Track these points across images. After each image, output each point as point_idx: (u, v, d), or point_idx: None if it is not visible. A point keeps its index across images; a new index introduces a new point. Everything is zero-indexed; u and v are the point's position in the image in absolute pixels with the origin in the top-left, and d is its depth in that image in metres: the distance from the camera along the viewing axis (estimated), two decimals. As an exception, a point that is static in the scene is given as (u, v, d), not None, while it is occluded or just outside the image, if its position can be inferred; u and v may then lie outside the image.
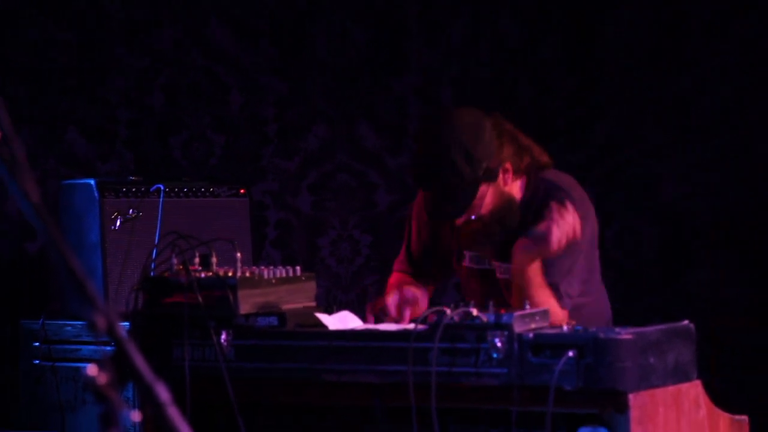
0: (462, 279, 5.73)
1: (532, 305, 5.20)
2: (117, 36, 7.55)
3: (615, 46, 8.23)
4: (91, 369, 2.83)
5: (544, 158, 5.69)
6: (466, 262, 5.66)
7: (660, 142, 8.10)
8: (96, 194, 6.20)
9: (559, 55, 8.24)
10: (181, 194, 6.40)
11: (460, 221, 5.52)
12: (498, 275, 5.59)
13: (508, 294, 5.52)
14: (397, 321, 5.44)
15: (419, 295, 5.61)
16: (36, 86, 7.35)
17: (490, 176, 5.44)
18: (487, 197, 5.46)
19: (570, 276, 5.53)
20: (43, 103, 7.36)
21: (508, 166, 5.51)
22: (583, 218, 5.42)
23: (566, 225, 5.17)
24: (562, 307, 5.46)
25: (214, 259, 5.32)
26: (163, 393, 2.84)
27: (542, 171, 5.66)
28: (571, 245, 5.30)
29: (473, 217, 5.48)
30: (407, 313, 5.45)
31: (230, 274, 5.25)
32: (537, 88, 8.15)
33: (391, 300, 5.51)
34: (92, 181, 6.23)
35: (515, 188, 5.59)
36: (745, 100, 7.92)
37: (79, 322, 6.08)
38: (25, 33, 7.35)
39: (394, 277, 5.82)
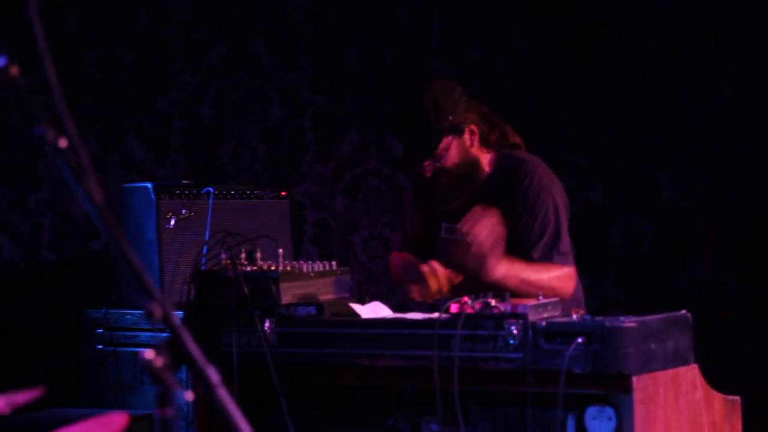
0: (440, 252, 5.68)
1: (552, 287, 5.31)
2: (172, 54, 7.55)
3: (615, 60, 8.21)
4: (149, 353, 2.82)
5: (516, 139, 5.72)
6: (441, 233, 5.63)
7: (659, 147, 8.07)
8: (153, 196, 6.19)
9: (565, 69, 8.21)
10: (229, 196, 6.39)
11: (428, 171, 5.48)
12: (443, 235, 5.57)
13: (461, 254, 5.47)
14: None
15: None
16: (100, 99, 7.35)
17: (455, 129, 5.47)
18: (451, 149, 5.47)
19: (564, 238, 5.53)
20: (106, 114, 7.35)
21: (474, 128, 5.52)
22: (553, 183, 5.56)
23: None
24: (564, 265, 5.50)
25: (258, 255, 5.31)
26: (213, 375, 2.82)
27: (512, 150, 5.66)
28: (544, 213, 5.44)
29: (438, 164, 5.46)
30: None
31: (273, 268, 5.24)
32: (545, 98, 8.13)
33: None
34: (149, 185, 6.23)
35: (484, 158, 5.60)
36: (741, 107, 7.88)
37: (138, 311, 6.07)
38: (92, 51, 7.35)
39: (395, 255, 5.81)
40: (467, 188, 5.53)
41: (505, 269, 5.27)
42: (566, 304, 5.28)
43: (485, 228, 5.26)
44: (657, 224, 8.03)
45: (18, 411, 3.18)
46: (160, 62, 7.51)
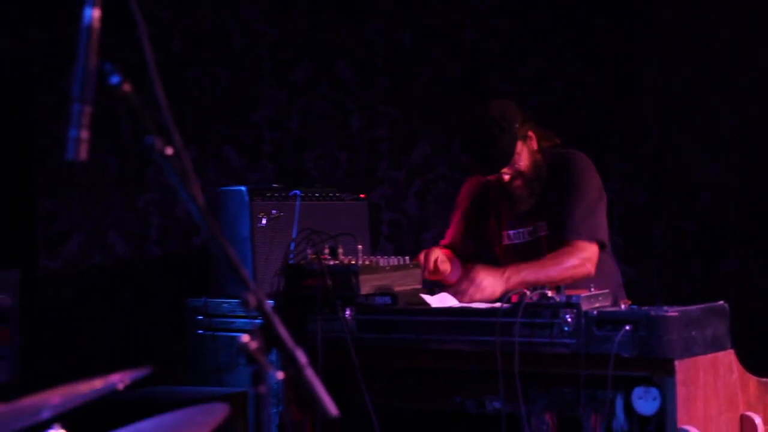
0: (501, 258, 5.68)
1: (571, 272, 5.40)
2: (263, 72, 7.58)
3: (656, 76, 8.14)
4: (245, 337, 2.83)
5: (557, 139, 5.73)
6: (505, 241, 5.63)
7: (697, 154, 8.00)
8: (246, 198, 6.21)
9: (612, 85, 8.16)
10: (313, 199, 6.40)
11: (508, 177, 5.49)
12: (528, 237, 5.64)
13: (543, 249, 5.54)
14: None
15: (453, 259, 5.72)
16: (200, 113, 7.39)
17: (522, 135, 5.49)
18: (523, 154, 5.49)
19: (601, 222, 5.55)
20: (205, 127, 7.39)
21: (531, 134, 5.55)
22: (591, 169, 5.58)
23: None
24: (597, 249, 5.50)
25: (340, 251, 5.32)
26: (301, 357, 2.83)
27: (555, 147, 5.69)
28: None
29: (516, 168, 5.47)
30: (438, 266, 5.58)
31: (353, 262, 5.25)
32: (596, 111, 8.09)
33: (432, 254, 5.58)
34: (243, 188, 6.25)
35: (538, 155, 5.61)
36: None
37: (234, 300, 6.09)
38: (192, 70, 7.39)
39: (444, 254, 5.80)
40: (539, 186, 5.53)
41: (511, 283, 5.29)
42: (602, 284, 5.24)
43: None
44: (696, 223, 7.98)
45: (130, 387, 3.20)
46: (252, 79, 7.54)
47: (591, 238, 5.50)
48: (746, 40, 7.86)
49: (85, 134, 2.86)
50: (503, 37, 8.00)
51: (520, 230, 5.61)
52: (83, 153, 2.87)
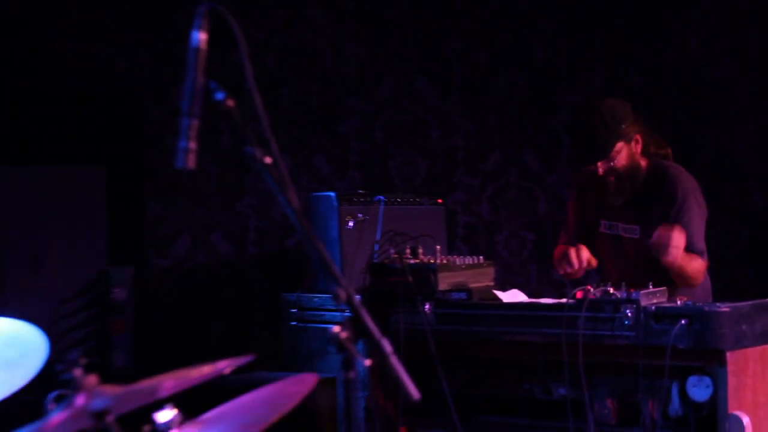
0: (597, 245, 5.64)
1: (692, 276, 5.31)
2: (350, 87, 7.61)
3: (713, 92, 8.08)
4: (335, 328, 2.86)
5: (666, 150, 5.67)
6: (601, 229, 5.60)
7: (751, 164, 7.94)
8: (335, 203, 6.25)
9: (672, 98, 8.11)
10: (395, 203, 6.42)
11: (601, 170, 5.39)
12: (623, 234, 5.55)
13: (630, 251, 5.50)
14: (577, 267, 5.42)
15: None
16: (293, 125, 7.43)
17: (626, 136, 5.40)
18: (622, 153, 5.39)
19: (700, 236, 5.47)
20: (298, 138, 7.44)
21: (639, 138, 5.46)
22: (696, 191, 5.52)
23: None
24: (705, 261, 5.43)
25: (420, 251, 5.34)
26: (386, 346, 2.86)
27: (660, 159, 5.61)
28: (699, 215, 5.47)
29: (612, 164, 5.39)
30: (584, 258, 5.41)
31: (431, 261, 5.27)
32: (655, 121, 8.04)
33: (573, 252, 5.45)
34: (333, 194, 6.29)
35: (643, 163, 5.52)
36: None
37: (324, 295, 6.13)
38: (286, 86, 7.44)
39: (558, 248, 5.74)
40: (630, 187, 5.49)
41: (679, 258, 5.20)
42: (696, 291, 5.37)
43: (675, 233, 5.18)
44: (749, 227, 7.92)
45: (234, 372, 3.24)
46: (340, 95, 7.58)
47: (704, 252, 5.48)
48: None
49: (193, 145, 2.91)
50: (569, 54, 7.98)
51: (610, 222, 5.57)
52: (191, 162, 2.92)
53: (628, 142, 5.42)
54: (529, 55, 7.90)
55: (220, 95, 2.92)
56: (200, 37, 2.91)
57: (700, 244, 5.45)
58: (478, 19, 7.80)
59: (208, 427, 3.19)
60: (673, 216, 5.38)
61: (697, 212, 5.49)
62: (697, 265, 5.36)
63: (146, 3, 7.31)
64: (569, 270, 5.39)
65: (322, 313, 6.19)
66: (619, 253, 5.53)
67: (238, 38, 2.92)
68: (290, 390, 3.29)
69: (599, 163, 5.39)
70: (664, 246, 5.03)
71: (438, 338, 5.06)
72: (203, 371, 3.16)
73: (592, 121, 5.39)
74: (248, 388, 3.24)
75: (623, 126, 5.39)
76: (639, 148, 5.47)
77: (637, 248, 5.47)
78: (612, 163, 5.40)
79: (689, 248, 5.33)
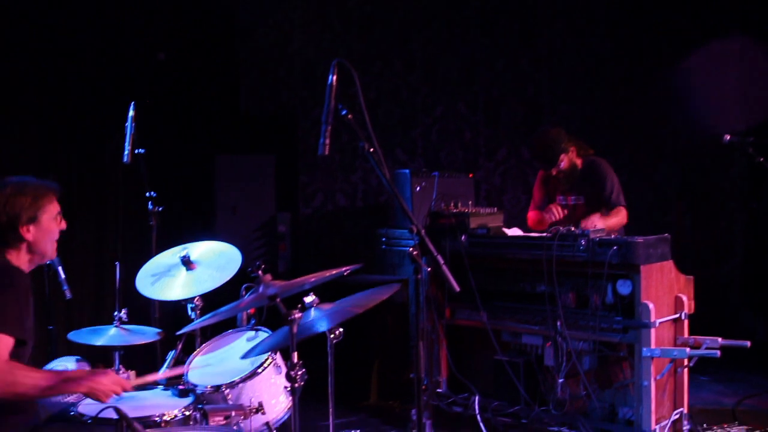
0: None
1: (615, 227, 5.19)
2: (417, 109, 7.57)
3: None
4: (411, 249, 2.88)
5: (590, 150, 5.54)
6: (558, 201, 5.57)
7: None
8: (408, 176, 6.23)
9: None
10: (444, 177, 6.32)
11: (554, 172, 5.38)
12: (572, 202, 5.46)
13: (578, 211, 5.39)
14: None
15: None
16: (384, 130, 7.40)
17: (564, 150, 5.33)
18: (564, 160, 5.34)
19: (621, 194, 5.38)
20: (387, 138, 7.37)
21: (573, 148, 5.39)
22: (610, 168, 5.40)
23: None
24: (620, 206, 5.33)
25: (459, 204, 5.34)
26: (440, 259, 2.88)
27: (589, 155, 5.50)
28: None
29: (561, 166, 5.35)
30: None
31: (465, 210, 5.28)
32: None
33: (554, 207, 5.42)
34: (407, 171, 6.27)
35: (578, 161, 5.43)
36: None
37: (402, 230, 6.14)
38: (382, 108, 7.41)
39: (530, 213, 5.71)
40: (572, 177, 5.44)
41: (600, 225, 5.18)
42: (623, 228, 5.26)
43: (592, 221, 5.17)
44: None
45: (350, 274, 3.26)
46: (411, 113, 7.51)
47: (624, 204, 5.41)
48: None
49: (328, 141, 2.94)
50: (553, 90, 7.86)
51: (564, 197, 5.54)
52: (327, 151, 2.96)
53: (566, 153, 5.38)
54: (523, 91, 7.79)
55: (344, 111, 2.96)
56: (333, 78, 2.95)
57: (620, 199, 5.37)
58: (496, 66, 7.72)
59: (333, 306, 3.23)
60: (608, 189, 5.32)
61: (615, 182, 5.40)
62: (618, 219, 5.28)
63: (297, 55, 7.31)
64: (554, 218, 5.37)
65: (399, 240, 6.20)
66: (570, 214, 5.46)
67: (355, 79, 2.94)
68: (382, 293, 3.29)
69: (552, 169, 5.39)
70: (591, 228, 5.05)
71: (469, 256, 5.07)
72: (332, 272, 3.20)
73: (543, 145, 5.38)
74: (358, 284, 3.28)
75: (561, 145, 5.34)
76: (573, 154, 5.42)
77: (582, 210, 5.42)
78: (559, 167, 5.38)
79: (615, 204, 5.30)
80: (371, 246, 6.50)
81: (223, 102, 7.07)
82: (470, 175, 6.68)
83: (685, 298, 4.74)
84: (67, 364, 3.88)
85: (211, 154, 6.97)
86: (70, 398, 3.75)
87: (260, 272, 3.06)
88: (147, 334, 3.81)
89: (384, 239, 6.33)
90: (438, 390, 5.28)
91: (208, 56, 6.87)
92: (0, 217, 3.02)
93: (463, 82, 7.63)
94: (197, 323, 3.29)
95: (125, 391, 2.96)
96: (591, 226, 4.97)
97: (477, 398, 5.04)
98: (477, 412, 4.99)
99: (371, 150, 2.93)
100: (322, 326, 3.28)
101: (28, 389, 2.82)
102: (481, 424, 4.94)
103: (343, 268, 3.15)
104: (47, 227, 3.10)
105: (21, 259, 3.07)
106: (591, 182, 5.41)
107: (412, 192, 6.21)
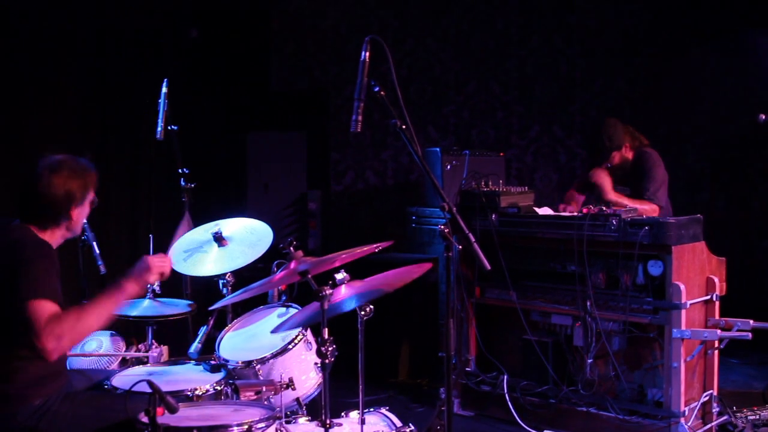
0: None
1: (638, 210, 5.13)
2: (449, 87, 7.54)
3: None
4: (441, 227, 2.87)
5: (645, 140, 5.48)
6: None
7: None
8: (439, 154, 6.22)
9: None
10: (475, 155, 6.35)
11: (605, 165, 5.36)
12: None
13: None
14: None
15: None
16: (416, 107, 7.37)
17: (619, 147, 5.32)
18: (616, 156, 5.34)
19: (659, 191, 5.32)
20: (419, 115, 7.37)
21: (627, 145, 5.36)
22: (658, 161, 5.35)
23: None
24: (651, 202, 5.25)
25: (490, 182, 5.31)
26: (471, 237, 2.87)
27: (642, 146, 5.45)
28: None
29: (612, 164, 5.35)
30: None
31: (496, 189, 5.24)
32: None
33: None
34: (438, 149, 6.26)
35: (629, 154, 5.40)
36: None
37: (432, 208, 6.13)
38: (414, 86, 7.37)
39: (571, 191, 5.69)
40: (621, 171, 5.38)
41: (613, 197, 5.16)
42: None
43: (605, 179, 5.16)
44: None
45: (378, 253, 3.26)
46: (443, 91, 7.49)
47: (656, 201, 5.33)
48: None
49: (360, 118, 2.94)
50: (587, 69, 7.79)
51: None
52: (359, 128, 2.95)
53: (619, 150, 5.35)
54: (553, 67, 7.72)
55: (376, 88, 2.95)
56: (366, 55, 2.94)
57: (655, 196, 5.28)
58: (532, 46, 7.65)
59: (364, 284, 3.23)
60: (645, 184, 5.28)
61: (657, 177, 5.32)
62: (646, 209, 5.17)
63: (330, 32, 7.29)
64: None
65: (430, 219, 6.20)
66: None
67: (388, 56, 2.93)
68: (414, 271, 3.29)
69: (605, 163, 5.36)
70: (598, 189, 5.01)
71: (499, 235, 5.05)
72: (363, 249, 3.20)
73: (599, 135, 5.36)
74: (389, 261, 3.28)
75: (616, 142, 5.32)
76: (628, 151, 5.39)
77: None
78: (612, 163, 5.36)
79: (649, 199, 5.25)
80: (401, 224, 6.51)
81: (255, 79, 7.09)
82: (501, 154, 6.64)
83: (716, 280, 4.69)
84: (101, 338, 3.94)
85: (243, 131, 7.00)
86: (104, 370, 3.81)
87: (292, 249, 3.07)
88: (179, 306, 3.88)
89: (414, 217, 6.32)
90: (467, 369, 5.29)
91: (241, 33, 6.88)
92: (56, 197, 3.05)
93: (496, 59, 7.58)
94: (229, 299, 3.32)
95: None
96: (616, 199, 5.01)
97: (505, 377, 5.04)
98: (505, 391, 4.99)
99: (403, 127, 2.92)
100: (352, 305, 3.28)
101: (89, 328, 2.92)
102: (509, 404, 4.94)
103: (375, 245, 3.14)
104: (86, 209, 3.18)
105: (55, 236, 3.11)
106: (636, 175, 5.38)
107: (443, 170, 6.19)
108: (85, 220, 3.87)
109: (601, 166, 5.39)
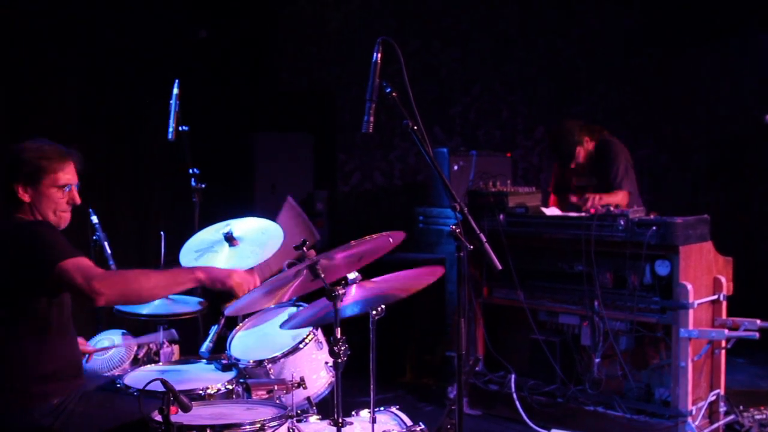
0: (569, 191, 5.62)
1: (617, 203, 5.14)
2: (455, 87, 7.52)
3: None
4: (453, 227, 2.87)
5: (603, 130, 5.51)
6: (574, 183, 5.54)
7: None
8: (446, 155, 6.22)
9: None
10: (482, 156, 6.34)
11: (573, 165, 5.41)
12: (586, 184, 5.49)
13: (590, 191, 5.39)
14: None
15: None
16: (424, 109, 7.35)
17: (580, 142, 5.34)
18: (581, 152, 5.37)
19: (625, 178, 5.35)
20: (426, 116, 7.32)
21: (587, 138, 5.38)
22: (619, 148, 5.38)
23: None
24: (626, 192, 5.31)
25: (498, 183, 5.31)
26: (482, 236, 2.86)
27: (601, 135, 5.47)
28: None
29: (579, 161, 5.38)
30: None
31: (504, 189, 5.25)
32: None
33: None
34: (445, 150, 6.26)
35: (590, 146, 5.41)
36: None
37: (440, 208, 6.12)
38: (418, 87, 7.38)
39: (552, 197, 5.71)
40: (587, 165, 5.41)
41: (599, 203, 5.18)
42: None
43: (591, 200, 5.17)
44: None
45: (387, 253, 3.22)
46: (449, 92, 7.47)
47: (624, 188, 5.35)
48: None
49: (372, 119, 2.93)
50: (588, 71, 7.78)
51: (578, 178, 5.51)
52: (371, 128, 2.95)
53: (581, 145, 5.37)
54: (557, 68, 7.71)
55: (388, 89, 2.94)
56: (378, 56, 2.94)
57: (622, 183, 5.32)
58: (535, 47, 7.65)
59: (376, 285, 3.21)
60: (612, 173, 5.32)
61: (621, 164, 5.35)
62: (616, 199, 5.23)
63: (335, 34, 7.29)
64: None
65: (437, 219, 6.20)
66: (583, 192, 5.45)
67: (399, 57, 2.93)
68: (427, 274, 3.26)
69: (570, 162, 5.41)
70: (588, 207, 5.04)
71: (507, 235, 5.05)
72: (374, 237, 3.12)
73: (557, 139, 5.41)
74: (397, 265, 3.24)
75: (576, 138, 5.34)
76: (589, 144, 5.41)
77: (594, 189, 5.38)
78: (577, 161, 5.39)
79: (617, 188, 5.28)
80: (408, 224, 6.50)
81: (262, 80, 7.08)
82: (508, 155, 6.64)
83: (723, 280, 4.69)
84: (112, 337, 3.94)
85: (249, 131, 6.99)
86: (116, 371, 3.81)
87: (304, 248, 3.06)
88: (190, 304, 3.88)
89: (422, 218, 6.32)
90: (475, 368, 5.28)
91: (248, 34, 6.88)
92: (5, 170, 2.99)
93: (501, 60, 7.57)
94: (244, 300, 3.31)
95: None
96: (591, 203, 5.04)
97: (513, 377, 5.04)
98: (513, 390, 4.99)
99: (415, 128, 2.91)
100: (363, 309, 3.27)
101: (144, 290, 2.92)
102: (517, 403, 4.94)
103: (386, 234, 3.08)
104: (47, 194, 3.01)
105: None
106: (601, 164, 5.40)
107: (450, 171, 6.19)
108: (95, 220, 3.89)
109: (567, 167, 5.44)
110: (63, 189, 3.05)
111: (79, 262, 2.84)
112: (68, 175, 3.06)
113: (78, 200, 3.10)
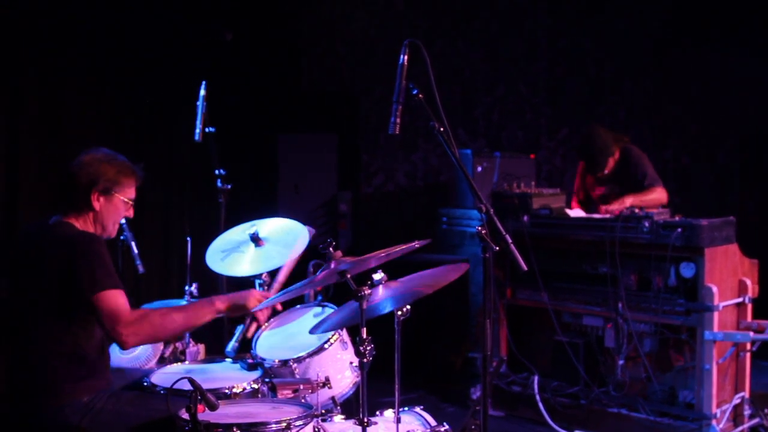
0: (594, 197, 5.63)
1: (653, 204, 5.13)
2: (479, 90, 7.51)
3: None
4: (479, 228, 2.86)
5: (627, 138, 5.52)
6: (596, 191, 5.54)
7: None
8: (470, 156, 6.19)
9: None
10: (505, 157, 6.31)
11: (601, 174, 5.40)
12: (609, 191, 5.47)
13: (612, 198, 5.37)
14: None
15: None
16: (446, 112, 7.36)
17: (612, 154, 5.33)
18: (610, 163, 5.35)
19: (657, 177, 5.36)
20: (451, 119, 7.34)
21: (617, 149, 5.38)
22: (643, 154, 5.42)
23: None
24: (657, 187, 5.31)
25: (522, 184, 5.30)
26: (508, 238, 2.85)
27: (625, 143, 5.47)
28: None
29: (608, 170, 5.37)
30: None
31: (528, 191, 5.24)
32: None
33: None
34: (469, 151, 6.23)
35: (617, 154, 5.40)
36: None
37: (463, 210, 6.10)
38: (443, 91, 7.37)
39: (574, 202, 5.69)
40: (614, 173, 5.40)
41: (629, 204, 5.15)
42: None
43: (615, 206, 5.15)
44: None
45: (409, 255, 3.22)
46: (472, 96, 7.45)
47: (656, 184, 5.34)
48: None
49: (399, 120, 2.94)
50: (615, 73, 7.74)
51: (601, 190, 5.49)
52: (397, 130, 2.95)
53: (613, 156, 5.36)
54: (585, 70, 7.68)
55: (414, 91, 2.95)
56: (405, 59, 2.94)
57: (652, 180, 5.33)
58: (559, 48, 7.62)
59: (401, 284, 3.21)
60: (640, 177, 5.32)
61: (645, 165, 5.37)
62: (653, 195, 5.25)
63: (360, 34, 7.29)
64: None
65: (461, 220, 6.18)
66: (609, 200, 5.42)
67: (426, 59, 2.93)
68: (452, 270, 3.26)
69: (599, 170, 5.40)
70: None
71: (531, 236, 5.04)
72: (400, 248, 3.15)
73: (591, 148, 5.36)
74: (421, 266, 3.23)
75: (611, 150, 5.33)
76: (617, 154, 5.41)
77: (616, 196, 5.36)
78: (605, 171, 5.39)
79: (648, 186, 5.25)
80: (431, 225, 6.50)
81: (286, 81, 7.10)
82: (532, 156, 6.62)
83: (749, 282, 4.65)
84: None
85: (274, 132, 7.01)
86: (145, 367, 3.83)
87: (331, 249, 3.07)
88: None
89: (445, 219, 6.31)
90: (499, 369, 5.27)
91: (272, 36, 6.90)
92: (81, 177, 3.06)
93: (525, 61, 7.55)
94: (271, 300, 3.32)
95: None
96: (621, 205, 5.02)
97: (536, 378, 5.02)
98: (536, 391, 4.97)
99: (441, 129, 2.91)
100: (388, 307, 3.27)
101: (169, 331, 3.04)
102: (540, 404, 4.92)
103: (413, 242, 3.11)
104: (116, 205, 3.13)
105: (86, 228, 3.10)
106: (625, 170, 5.39)
107: (474, 172, 6.18)
108: (123, 221, 3.92)
109: (597, 174, 5.43)
110: (128, 203, 3.18)
111: (112, 301, 2.90)
112: (133, 190, 3.21)
113: (132, 215, 3.24)
